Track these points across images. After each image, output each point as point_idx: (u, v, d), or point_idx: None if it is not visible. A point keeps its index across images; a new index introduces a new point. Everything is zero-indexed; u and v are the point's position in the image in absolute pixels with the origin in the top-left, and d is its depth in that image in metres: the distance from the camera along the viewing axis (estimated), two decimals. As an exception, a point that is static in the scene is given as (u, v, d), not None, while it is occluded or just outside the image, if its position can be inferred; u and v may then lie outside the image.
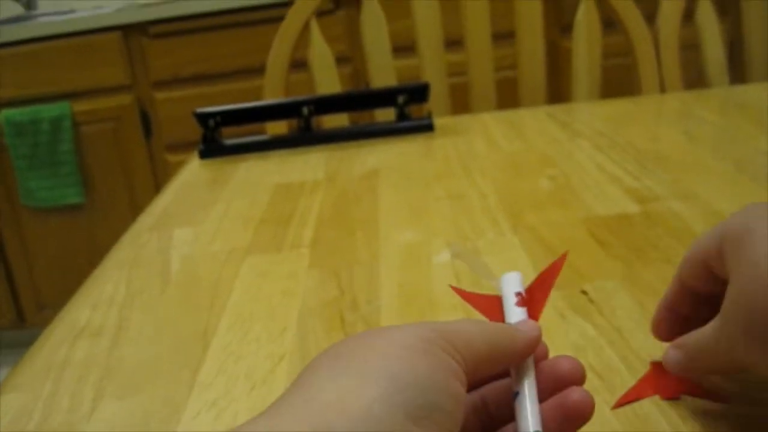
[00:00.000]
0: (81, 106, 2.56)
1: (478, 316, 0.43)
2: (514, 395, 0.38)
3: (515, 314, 0.41)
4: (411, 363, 0.32)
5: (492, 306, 0.43)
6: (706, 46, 1.43)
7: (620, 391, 0.47)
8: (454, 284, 0.64)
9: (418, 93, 1.15)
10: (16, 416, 0.54)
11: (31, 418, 0.53)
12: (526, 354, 0.38)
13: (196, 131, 1.18)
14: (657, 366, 0.48)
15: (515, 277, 0.44)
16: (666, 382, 0.46)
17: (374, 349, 0.33)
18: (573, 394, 0.37)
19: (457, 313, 0.60)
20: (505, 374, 0.40)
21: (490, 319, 0.42)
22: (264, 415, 0.31)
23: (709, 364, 0.42)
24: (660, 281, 0.61)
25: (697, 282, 0.44)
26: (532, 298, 0.42)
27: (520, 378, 0.38)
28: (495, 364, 0.37)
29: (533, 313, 0.42)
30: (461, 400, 0.33)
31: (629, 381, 0.48)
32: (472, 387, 0.38)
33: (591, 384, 0.48)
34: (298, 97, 1.16)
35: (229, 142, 1.15)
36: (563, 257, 0.43)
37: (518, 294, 0.42)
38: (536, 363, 0.39)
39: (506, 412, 0.38)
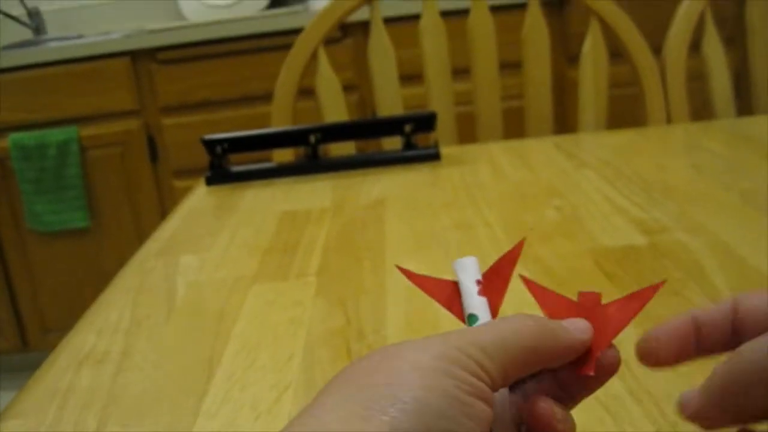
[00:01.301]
0: (88, 130, 2.57)
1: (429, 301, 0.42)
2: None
3: (478, 304, 0.39)
4: (423, 386, 0.31)
5: (448, 293, 0.41)
6: (713, 77, 1.44)
7: (627, 421, 0.47)
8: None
9: (425, 122, 1.16)
10: (20, 443, 0.53)
11: (34, 445, 0.53)
12: (569, 357, 0.36)
13: (203, 157, 1.18)
14: (583, 300, 0.39)
15: (472, 263, 0.41)
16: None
17: (386, 371, 0.32)
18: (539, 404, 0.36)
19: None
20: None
21: (446, 307, 0.41)
22: None
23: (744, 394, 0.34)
24: (667, 313, 0.60)
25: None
26: (492, 287, 0.40)
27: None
28: (533, 366, 0.35)
29: (494, 304, 0.40)
30: (483, 420, 0.32)
31: (635, 411, 0.48)
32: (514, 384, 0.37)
33: (596, 414, 0.48)
34: (305, 125, 1.17)
35: (236, 169, 1.16)
36: (521, 244, 0.41)
37: (479, 282, 0.40)
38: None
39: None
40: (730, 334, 0.38)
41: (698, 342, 0.38)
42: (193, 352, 0.64)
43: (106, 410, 0.56)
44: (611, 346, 0.37)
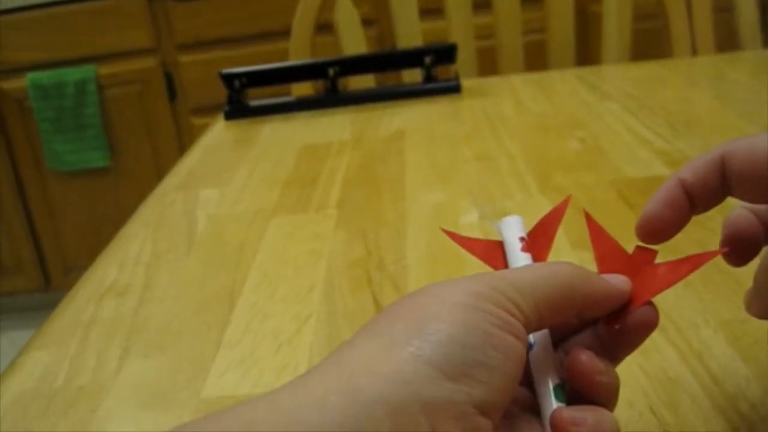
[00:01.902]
0: (106, 69, 2.56)
1: (477, 263, 0.41)
2: (529, 347, 0.35)
3: (521, 259, 0.39)
4: (449, 319, 0.30)
5: (492, 252, 0.41)
6: (739, 8, 1.41)
7: (652, 351, 0.47)
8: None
9: (446, 54, 1.14)
10: (43, 374, 0.54)
11: (57, 376, 0.53)
12: (605, 305, 0.36)
13: (220, 94, 1.17)
14: (637, 254, 0.39)
15: (516, 221, 0.41)
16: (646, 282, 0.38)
17: (414, 307, 0.32)
18: (579, 355, 0.35)
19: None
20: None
21: (491, 266, 0.40)
22: (295, 382, 0.30)
23: None
24: (691, 243, 0.59)
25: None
26: (536, 244, 0.40)
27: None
28: (568, 309, 0.35)
29: (538, 260, 0.39)
30: (513, 353, 0.31)
31: (658, 339, 0.48)
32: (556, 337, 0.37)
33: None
34: (324, 58, 1.15)
35: (254, 103, 1.15)
36: (566, 201, 0.41)
37: (522, 239, 0.40)
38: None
39: None
40: (720, 186, 0.38)
41: (691, 206, 0.39)
42: (213, 284, 0.64)
43: (128, 341, 0.57)
44: (650, 303, 0.36)
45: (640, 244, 0.39)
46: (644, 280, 0.37)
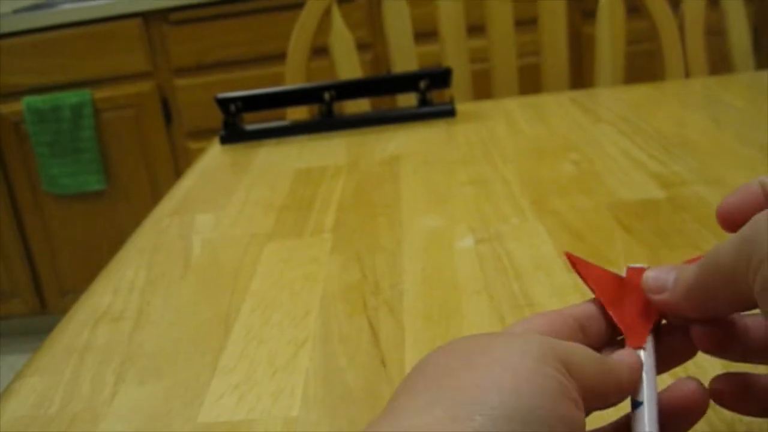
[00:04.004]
0: (102, 93, 2.56)
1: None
2: (634, 404, 0.34)
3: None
4: (513, 390, 0.29)
5: (610, 285, 0.38)
6: (731, 31, 1.42)
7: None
8: (477, 269, 0.63)
9: (440, 78, 1.14)
10: (38, 400, 0.53)
11: (52, 402, 0.53)
12: (630, 389, 0.34)
13: (216, 118, 1.17)
14: (631, 275, 0.39)
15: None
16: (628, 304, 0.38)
17: (473, 371, 0.30)
18: (685, 385, 0.35)
19: (481, 298, 0.59)
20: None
21: (604, 301, 0.38)
22: None
23: (714, 293, 0.33)
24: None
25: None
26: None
27: (641, 383, 0.35)
28: (601, 398, 0.33)
29: (651, 312, 0.37)
30: (578, 425, 0.30)
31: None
32: None
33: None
34: (319, 83, 1.16)
35: (250, 127, 1.15)
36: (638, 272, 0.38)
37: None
38: None
39: None
40: None
41: None
42: (209, 309, 0.64)
43: (123, 367, 0.56)
44: (693, 380, 0.36)
45: (631, 264, 0.39)
46: (645, 298, 0.37)
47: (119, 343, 0.60)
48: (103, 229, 2.70)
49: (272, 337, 0.58)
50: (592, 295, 0.39)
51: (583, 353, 0.33)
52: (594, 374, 0.32)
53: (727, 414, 0.42)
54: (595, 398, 0.33)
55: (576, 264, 0.39)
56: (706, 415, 0.41)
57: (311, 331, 0.58)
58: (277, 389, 0.51)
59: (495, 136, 1.02)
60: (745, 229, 0.31)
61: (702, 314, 0.35)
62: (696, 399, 0.35)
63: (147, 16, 2.51)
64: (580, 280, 0.40)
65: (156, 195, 2.62)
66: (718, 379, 0.37)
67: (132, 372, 0.56)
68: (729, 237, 0.32)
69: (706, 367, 0.47)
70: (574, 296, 0.58)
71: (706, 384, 0.37)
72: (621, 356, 0.35)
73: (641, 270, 0.38)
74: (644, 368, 0.35)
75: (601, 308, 0.38)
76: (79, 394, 0.54)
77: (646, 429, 0.33)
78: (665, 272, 0.36)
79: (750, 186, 0.37)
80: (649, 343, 0.36)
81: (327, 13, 1.39)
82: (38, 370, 0.58)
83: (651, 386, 0.35)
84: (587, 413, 0.32)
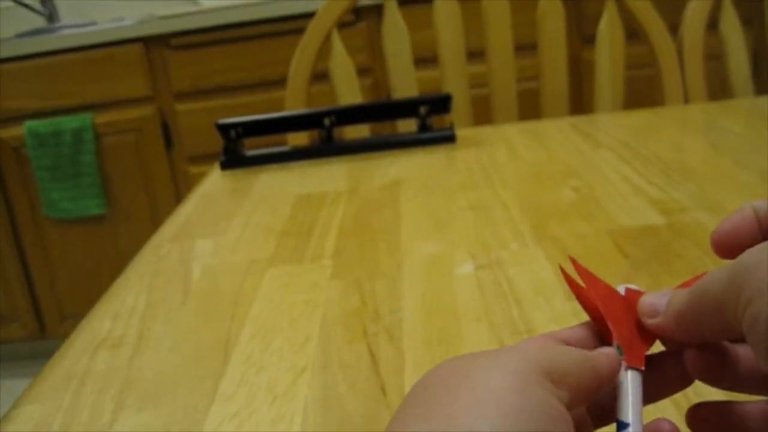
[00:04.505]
0: (102, 117, 2.57)
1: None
2: (620, 425, 0.34)
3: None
4: (499, 417, 0.29)
5: (613, 303, 0.38)
6: (730, 56, 1.42)
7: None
8: (477, 295, 0.63)
9: (440, 104, 1.15)
10: (36, 427, 0.53)
11: (51, 429, 0.53)
12: (608, 382, 0.35)
13: (217, 143, 1.17)
14: (629, 295, 0.39)
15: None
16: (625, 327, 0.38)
17: (460, 397, 0.30)
18: (663, 425, 0.35)
19: (481, 325, 0.59)
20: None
21: (606, 315, 0.37)
22: None
23: (703, 320, 0.33)
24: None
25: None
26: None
27: (628, 406, 0.34)
28: (586, 392, 0.33)
29: (650, 335, 0.37)
30: None
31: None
32: None
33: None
34: (319, 108, 1.16)
35: (250, 153, 1.15)
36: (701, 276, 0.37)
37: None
38: None
39: None
40: None
41: (763, 233, 0.37)
42: (208, 335, 0.63)
43: (122, 394, 0.56)
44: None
45: (626, 284, 0.39)
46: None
47: (119, 370, 0.60)
48: (103, 254, 2.70)
49: (272, 364, 0.58)
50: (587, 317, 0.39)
51: (564, 355, 0.33)
52: (577, 371, 0.33)
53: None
54: (583, 393, 0.33)
55: (580, 274, 0.39)
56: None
57: (311, 358, 0.58)
58: (276, 416, 0.51)
59: (495, 162, 1.02)
60: (737, 262, 0.31)
61: (691, 339, 0.35)
62: None
63: (148, 41, 2.52)
64: (580, 307, 0.40)
65: (156, 219, 2.63)
66: (694, 408, 0.37)
67: (131, 399, 0.55)
68: (722, 265, 0.32)
69: (705, 395, 0.46)
70: (573, 322, 0.58)
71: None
72: (599, 349, 0.36)
73: (638, 292, 0.38)
74: (632, 389, 0.35)
75: (592, 332, 0.38)
76: (78, 422, 0.53)
77: None
78: (659, 297, 0.36)
79: (743, 211, 0.37)
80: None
81: (327, 38, 1.39)
82: (37, 396, 0.58)
83: (637, 408, 0.35)
84: (576, 408, 0.33)
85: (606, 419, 0.37)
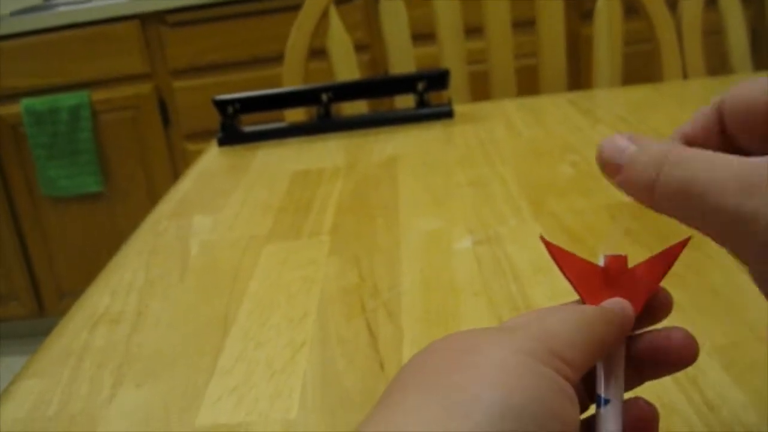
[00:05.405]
0: (99, 94, 2.56)
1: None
2: (601, 400, 0.34)
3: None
4: (505, 387, 0.29)
5: (588, 276, 0.38)
6: (730, 32, 1.42)
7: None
8: (476, 271, 0.63)
9: (438, 80, 1.14)
10: (36, 402, 0.53)
11: (50, 404, 0.53)
12: (622, 339, 0.35)
13: (214, 120, 1.17)
14: (610, 264, 0.38)
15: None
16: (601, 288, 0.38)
17: (466, 369, 0.30)
18: (675, 333, 0.35)
19: (479, 300, 0.59)
20: None
21: (580, 290, 0.37)
22: None
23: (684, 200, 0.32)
24: (685, 268, 0.60)
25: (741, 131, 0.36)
26: (634, 285, 0.37)
27: (609, 381, 0.34)
28: (596, 358, 0.33)
29: (635, 303, 0.36)
30: (572, 421, 0.30)
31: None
32: None
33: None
34: (317, 84, 1.16)
35: (248, 129, 1.15)
36: (685, 242, 0.37)
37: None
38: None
39: None
40: (720, 133, 0.37)
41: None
42: (207, 311, 0.64)
43: (121, 369, 0.56)
44: (661, 289, 0.36)
45: (608, 252, 0.38)
46: (627, 287, 0.37)
47: (117, 345, 0.60)
48: (100, 231, 2.70)
49: (270, 340, 0.58)
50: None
51: (571, 327, 0.33)
52: (586, 344, 0.32)
53: (726, 415, 0.42)
54: (589, 356, 0.33)
55: (553, 252, 0.38)
56: (704, 416, 0.41)
57: (309, 334, 0.58)
58: (275, 392, 0.51)
59: (493, 138, 1.02)
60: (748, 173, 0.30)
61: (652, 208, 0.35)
62: (647, 416, 0.35)
63: (144, 18, 2.51)
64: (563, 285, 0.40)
65: (154, 197, 2.62)
66: None
67: (130, 374, 0.56)
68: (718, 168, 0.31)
69: (702, 368, 0.47)
70: (572, 298, 0.58)
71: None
72: (609, 305, 0.36)
73: (618, 258, 0.38)
74: (614, 367, 0.35)
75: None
76: (77, 396, 0.54)
77: (612, 428, 0.33)
78: (618, 151, 0.36)
79: (704, 109, 0.37)
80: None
81: (324, 14, 1.39)
82: (36, 372, 0.58)
83: (619, 384, 0.34)
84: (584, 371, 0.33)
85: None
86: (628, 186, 0.35)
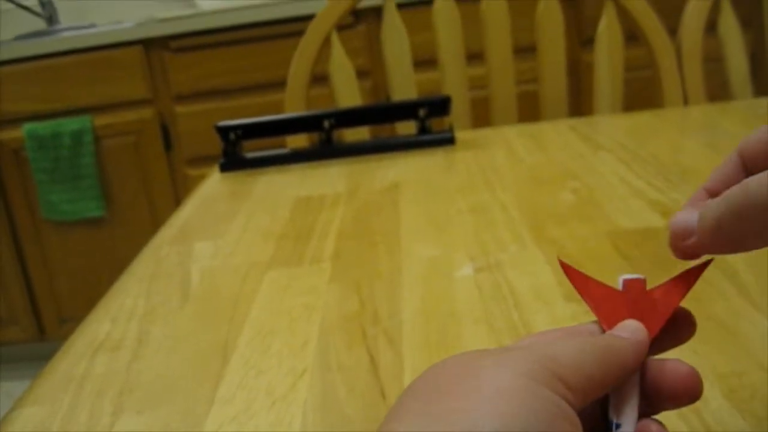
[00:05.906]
0: (102, 119, 2.57)
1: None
2: (613, 425, 0.34)
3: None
4: (503, 416, 0.28)
5: (607, 299, 0.38)
6: (729, 58, 1.42)
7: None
8: (476, 298, 0.63)
9: (440, 106, 1.15)
10: (36, 429, 0.53)
11: (50, 431, 0.53)
12: (636, 365, 0.34)
13: (216, 145, 1.17)
14: (628, 287, 0.38)
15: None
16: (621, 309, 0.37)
17: (464, 394, 0.30)
18: (680, 367, 0.34)
19: (480, 327, 0.59)
20: None
21: (599, 314, 0.37)
22: None
23: (749, 222, 0.33)
24: (690, 293, 0.59)
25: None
26: (653, 307, 0.37)
27: (622, 406, 0.34)
28: (607, 385, 0.33)
29: (653, 326, 0.36)
30: None
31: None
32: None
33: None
34: (319, 111, 1.16)
35: (249, 155, 1.15)
36: (705, 264, 0.38)
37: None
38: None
39: None
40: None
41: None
42: (207, 338, 0.63)
43: (121, 397, 0.56)
44: (682, 310, 0.36)
45: (625, 275, 0.38)
46: (645, 310, 0.36)
47: (118, 373, 0.60)
48: (102, 256, 2.70)
49: (271, 367, 0.57)
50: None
51: (577, 353, 0.32)
52: (595, 369, 0.32)
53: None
54: (598, 385, 0.32)
55: (571, 275, 0.38)
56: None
57: (310, 361, 0.58)
58: (275, 420, 0.51)
59: (494, 164, 1.02)
60: None
61: (731, 248, 0.35)
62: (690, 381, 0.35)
63: (147, 44, 2.52)
64: (579, 310, 0.40)
65: (155, 222, 2.63)
66: None
67: (130, 402, 0.55)
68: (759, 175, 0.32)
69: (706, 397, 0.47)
70: (573, 323, 0.58)
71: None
72: (621, 331, 0.35)
73: (637, 281, 0.38)
74: (627, 391, 0.34)
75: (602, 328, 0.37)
76: (77, 424, 0.53)
77: None
78: (688, 215, 0.36)
79: (696, 200, 0.39)
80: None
81: (327, 40, 1.39)
82: (36, 399, 0.58)
83: (633, 409, 0.34)
84: (591, 400, 0.32)
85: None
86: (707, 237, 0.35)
